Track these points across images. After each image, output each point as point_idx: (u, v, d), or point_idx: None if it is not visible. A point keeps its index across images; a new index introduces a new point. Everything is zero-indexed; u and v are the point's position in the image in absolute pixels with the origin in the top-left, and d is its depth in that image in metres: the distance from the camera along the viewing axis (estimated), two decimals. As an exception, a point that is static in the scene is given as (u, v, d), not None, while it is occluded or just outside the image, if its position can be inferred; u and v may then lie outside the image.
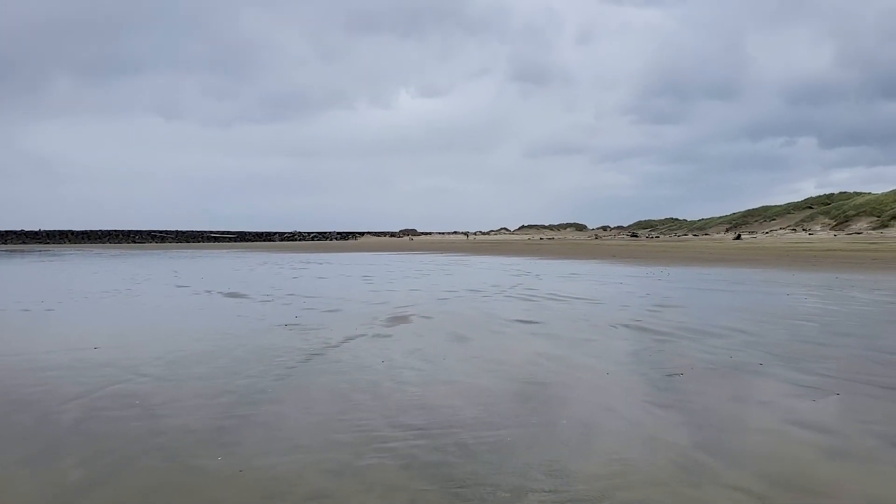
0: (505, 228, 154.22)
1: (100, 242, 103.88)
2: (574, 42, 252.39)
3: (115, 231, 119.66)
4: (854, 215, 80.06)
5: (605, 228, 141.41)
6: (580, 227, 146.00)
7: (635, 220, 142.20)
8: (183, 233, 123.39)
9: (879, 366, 7.00)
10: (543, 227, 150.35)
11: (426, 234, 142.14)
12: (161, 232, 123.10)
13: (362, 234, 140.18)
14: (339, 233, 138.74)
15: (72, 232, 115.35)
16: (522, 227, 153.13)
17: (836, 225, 79.46)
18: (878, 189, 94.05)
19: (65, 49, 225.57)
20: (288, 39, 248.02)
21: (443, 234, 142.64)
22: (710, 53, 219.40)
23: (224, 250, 60.80)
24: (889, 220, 71.50)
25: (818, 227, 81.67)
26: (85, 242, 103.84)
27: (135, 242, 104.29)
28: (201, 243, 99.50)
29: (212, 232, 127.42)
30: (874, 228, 70.11)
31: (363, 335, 9.49)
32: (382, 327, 10.27)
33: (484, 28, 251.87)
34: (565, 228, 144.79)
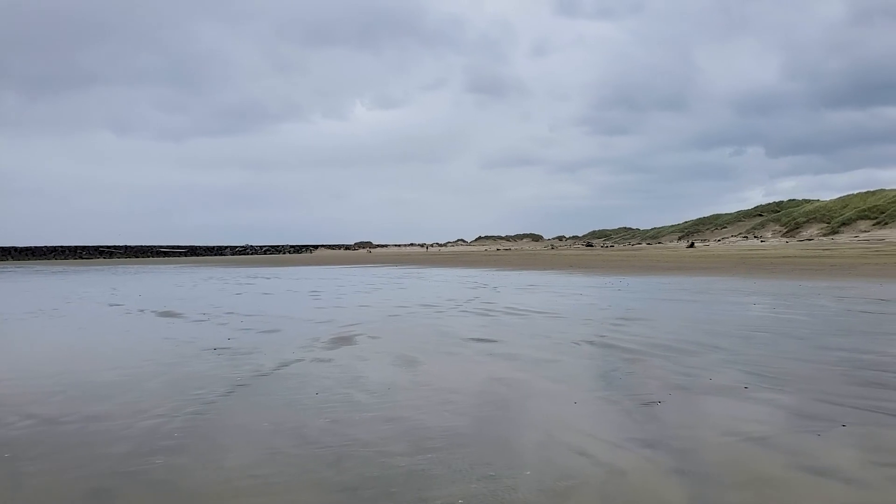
0: (462, 240, 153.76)
1: (45, 259, 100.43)
2: (529, 54, 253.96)
3: (62, 247, 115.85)
4: (804, 222, 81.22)
5: (560, 238, 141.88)
6: (536, 238, 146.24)
7: (590, 230, 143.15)
8: (132, 248, 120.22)
9: (879, 387, 6.22)
10: (500, 237, 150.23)
11: (382, 246, 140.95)
12: (109, 247, 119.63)
13: (316, 247, 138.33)
14: (292, 246, 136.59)
15: (15, 248, 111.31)
16: (479, 238, 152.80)
17: (787, 232, 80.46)
18: (824, 197, 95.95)
19: (10, 63, 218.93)
20: (242, 52, 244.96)
21: (399, 245, 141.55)
22: (661, 66, 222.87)
23: (172, 265, 58.84)
24: (839, 227, 72.57)
25: (769, 235, 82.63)
26: (29, 259, 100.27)
27: (82, 258, 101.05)
28: (151, 258, 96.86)
29: (162, 247, 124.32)
30: (825, 235, 71.05)
31: (300, 360, 8.46)
32: (323, 350, 9.24)
33: (439, 40, 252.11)
34: (522, 239, 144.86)
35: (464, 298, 16.93)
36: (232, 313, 14.64)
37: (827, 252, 41.14)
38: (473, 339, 9.90)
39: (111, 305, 17.57)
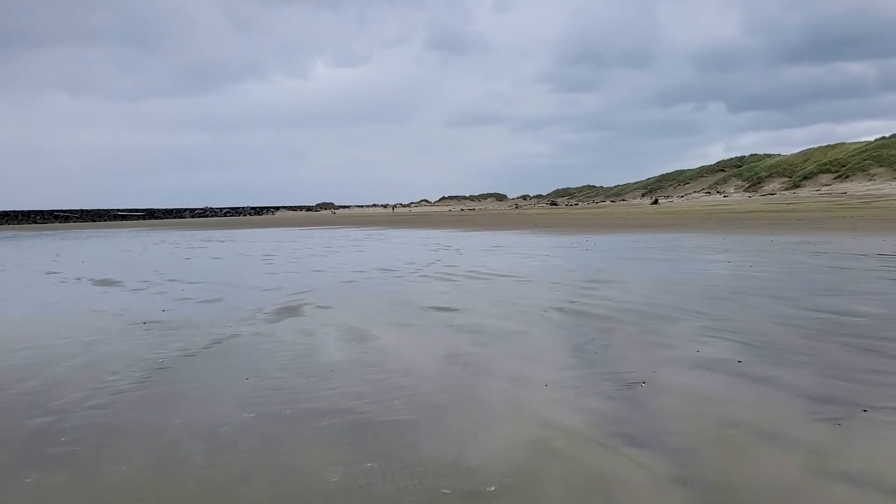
0: (426, 200, 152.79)
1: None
2: (492, 10, 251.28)
3: (14, 212, 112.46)
4: (766, 177, 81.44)
5: (524, 198, 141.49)
6: (500, 197, 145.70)
7: (554, 189, 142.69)
8: (88, 212, 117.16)
9: (887, 358, 5.46)
10: (464, 197, 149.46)
11: (345, 207, 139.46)
12: (65, 212, 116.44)
13: (277, 208, 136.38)
14: (252, 208, 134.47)
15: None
16: (443, 198, 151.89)
17: (749, 186, 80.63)
18: (784, 151, 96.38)
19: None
20: (200, 10, 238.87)
21: (361, 207, 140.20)
22: (623, 21, 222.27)
23: (127, 229, 56.98)
24: (800, 181, 72.85)
25: (732, 190, 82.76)
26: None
27: (36, 223, 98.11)
28: (107, 222, 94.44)
29: (119, 210, 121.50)
30: (787, 189, 71.26)
31: (236, 336, 7.52)
32: (265, 323, 8.30)
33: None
34: (486, 199, 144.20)
35: (425, 262, 16.04)
36: (174, 281, 13.60)
37: (791, 206, 40.94)
38: (432, 308, 9.02)
39: (48, 273, 16.39)
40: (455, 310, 8.81)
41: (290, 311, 9.17)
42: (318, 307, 9.44)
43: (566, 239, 22.94)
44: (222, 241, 29.86)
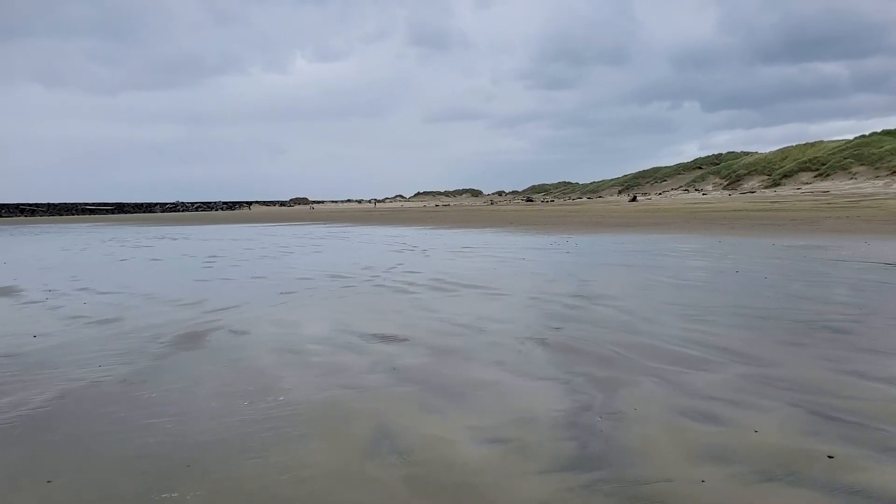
0: (401, 195, 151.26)
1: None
2: (472, 6, 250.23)
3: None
4: (745, 174, 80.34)
5: (500, 193, 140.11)
6: (476, 193, 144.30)
7: (530, 185, 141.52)
8: (56, 206, 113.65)
9: None
10: (439, 193, 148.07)
11: (320, 202, 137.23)
12: (31, 205, 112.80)
13: (251, 203, 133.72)
14: (225, 203, 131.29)
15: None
16: (418, 193, 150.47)
17: (728, 184, 79.41)
18: (759, 150, 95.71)
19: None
20: (179, 2, 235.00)
21: (336, 202, 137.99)
22: (602, 19, 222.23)
23: (87, 224, 54.25)
24: (780, 179, 71.70)
25: (710, 187, 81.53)
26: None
27: (1, 217, 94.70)
28: (73, 216, 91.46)
29: (87, 204, 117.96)
30: (766, 187, 70.04)
31: (96, 384, 5.39)
32: (149, 360, 6.17)
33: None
34: (461, 194, 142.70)
35: (385, 266, 13.95)
36: (85, 289, 11.45)
37: (777, 205, 39.31)
38: (377, 337, 6.93)
39: (-52, 279, 14.11)
40: (405, 340, 6.74)
41: (194, 339, 7.05)
42: (232, 332, 7.34)
43: (544, 239, 20.93)
44: (175, 239, 27.55)
